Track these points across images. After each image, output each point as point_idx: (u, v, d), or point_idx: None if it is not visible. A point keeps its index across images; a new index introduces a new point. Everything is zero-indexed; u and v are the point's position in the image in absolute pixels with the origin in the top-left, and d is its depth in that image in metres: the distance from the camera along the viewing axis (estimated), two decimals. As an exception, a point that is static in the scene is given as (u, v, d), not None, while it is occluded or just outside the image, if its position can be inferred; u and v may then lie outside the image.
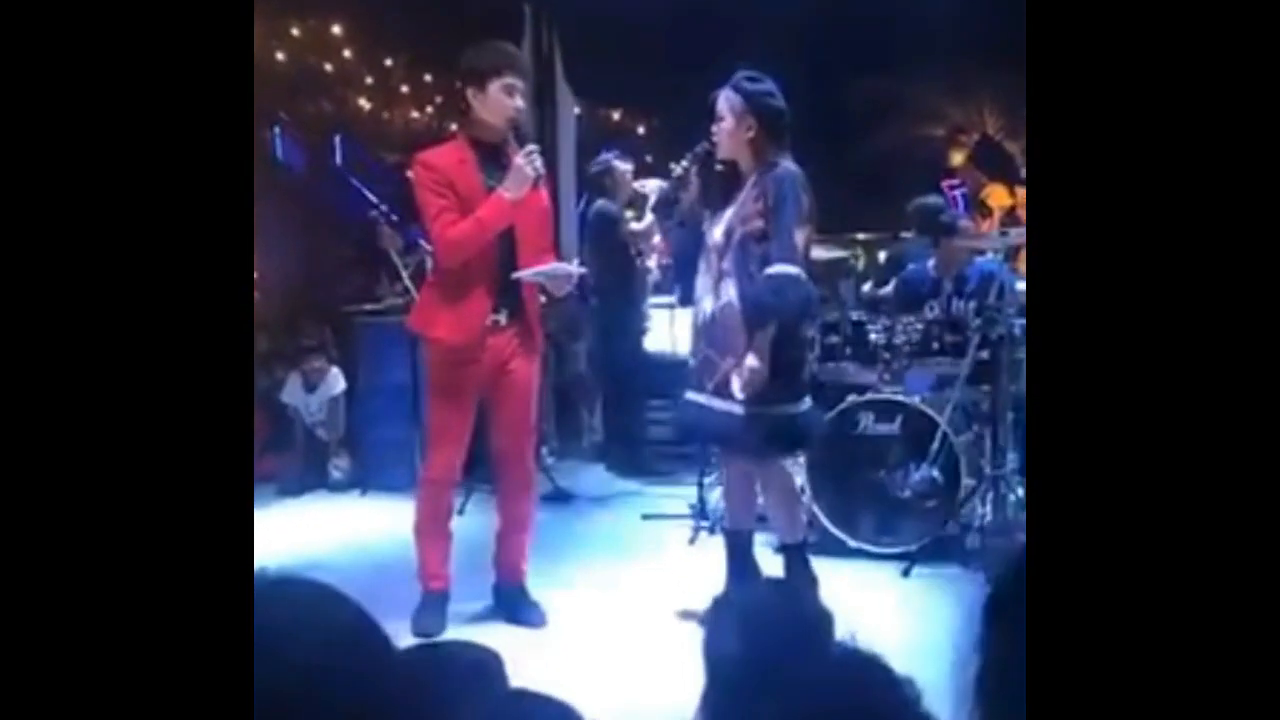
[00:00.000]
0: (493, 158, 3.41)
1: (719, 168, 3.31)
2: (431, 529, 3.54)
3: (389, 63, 8.28)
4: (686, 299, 3.55)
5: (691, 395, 3.36)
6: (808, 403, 3.35)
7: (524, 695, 0.94)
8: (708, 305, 3.30)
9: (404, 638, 3.21)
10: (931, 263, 4.93)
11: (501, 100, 3.36)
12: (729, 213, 3.26)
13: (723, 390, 3.25)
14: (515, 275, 3.40)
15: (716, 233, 3.29)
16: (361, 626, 0.89)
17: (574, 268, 3.70)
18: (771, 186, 3.17)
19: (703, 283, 3.33)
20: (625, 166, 5.84)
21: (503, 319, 3.44)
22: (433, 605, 3.51)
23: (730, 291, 3.24)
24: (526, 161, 3.32)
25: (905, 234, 4.90)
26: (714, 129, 3.27)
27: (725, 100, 3.25)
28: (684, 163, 3.32)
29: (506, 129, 3.39)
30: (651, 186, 5.54)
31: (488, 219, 3.32)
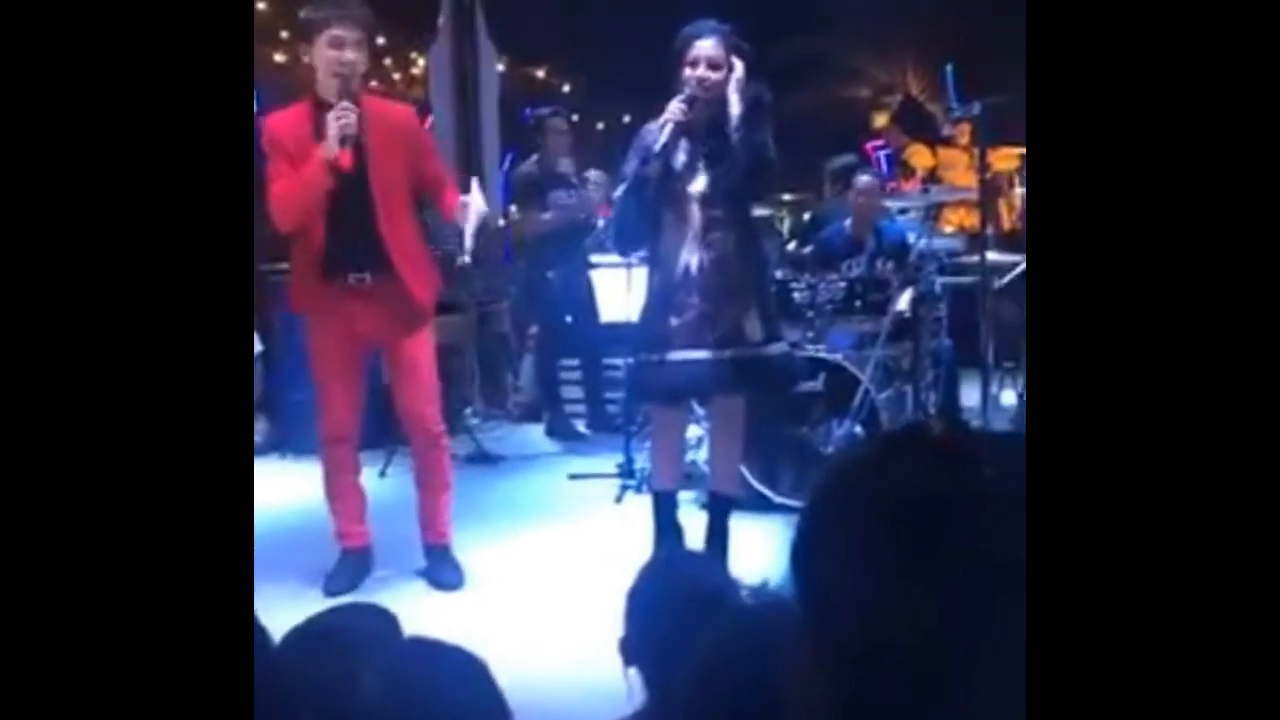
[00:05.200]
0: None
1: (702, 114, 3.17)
2: (338, 487, 3.50)
3: (262, 6, 7.97)
4: (650, 258, 3.40)
5: (688, 353, 3.19)
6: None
7: (423, 643, 0.92)
8: (692, 259, 3.20)
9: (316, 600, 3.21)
10: (848, 222, 4.99)
11: (327, 54, 3.23)
12: (712, 161, 3.17)
13: (735, 337, 3.19)
14: (465, 259, 3.36)
15: (699, 182, 3.20)
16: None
17: (477, 201, 3.42)
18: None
19: (678, 236, 3.22)
20: (561, 124, 5.76)
21: (367, 277, 3.34)
22: (349, 564, 3.48)
23: (725, 240, 3.19)
24: (335, 116, 3.17)
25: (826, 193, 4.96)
26: (695, 75, 3.15)
27: (717, 45, 3.16)
28: (682, 105, 3.12)
29: (334, 84, 3.23)
30: (595, 176, 5.47)
31: (307, 176, 3.21)
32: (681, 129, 3.17)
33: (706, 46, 3.17)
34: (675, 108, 3.13)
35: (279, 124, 3.30)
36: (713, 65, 3.16)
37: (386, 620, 1.25)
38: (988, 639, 0.61)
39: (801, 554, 0.69)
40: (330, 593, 3.32)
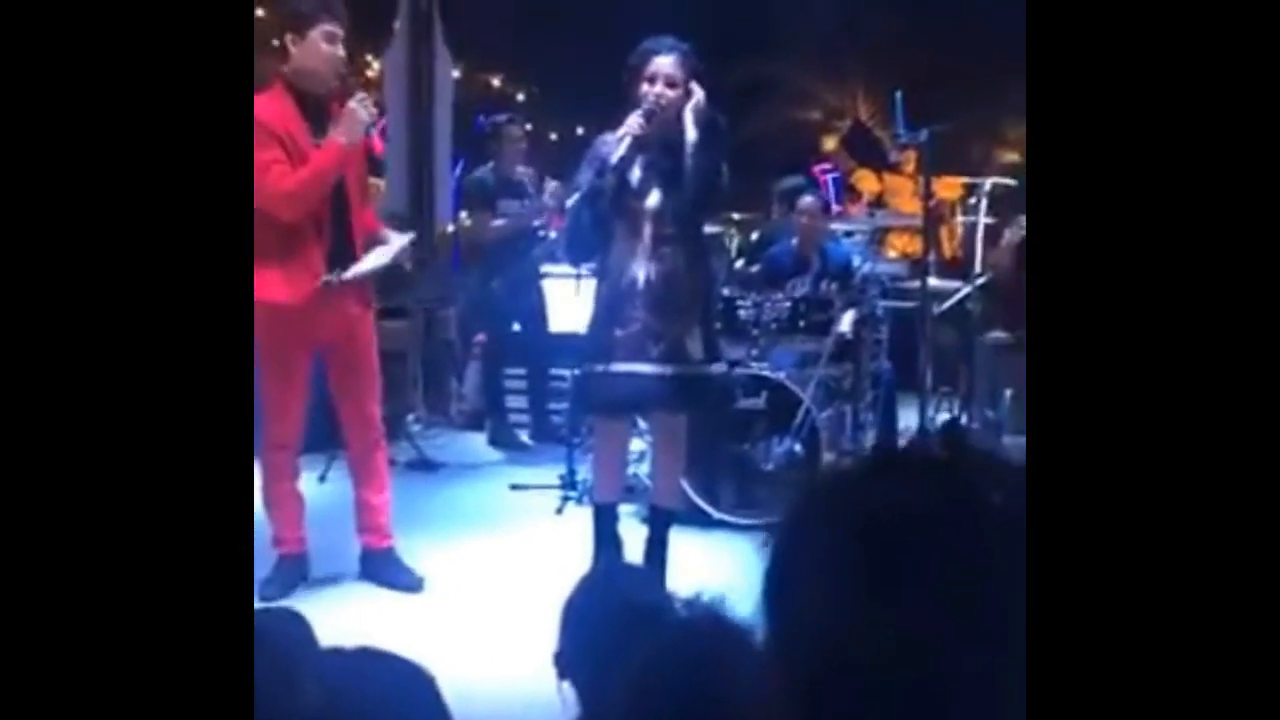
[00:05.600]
0: (316, 107, 3.31)
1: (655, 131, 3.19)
2: (277, 494, 3.45)
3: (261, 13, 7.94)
4: (599, 270, 3.42)
5: (630, 366, 3.20)
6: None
7: (369, 653, 0.93)
8: (640, 272, 3.22)
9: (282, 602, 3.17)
10: (795, 241, 5.06)
11: (324, 49, 3.26)
12: (664, 179, 3.21)
13: (677, 354, 3.22)
14: (349, 275, 3.31)
15: (652, 198, 3.23)
16: None
17: (404, 237, 3.60)
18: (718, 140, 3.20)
19: (628, 249, 3.24)
20: (516, 131, 5.76)
21: (336, 278, 3.33)
22: (284, 571, 3.45)
23: (675, 256, 3.22)
24: (360, 105, 3.25)
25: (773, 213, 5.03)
26: (653, 91, 3.17)
27: (676, 64, 3.19)
28: (640, 119, 3.14)
29: (331, 79, 3.30)
30: (553, 187, 5.46)
31: (324, 167, 3.23)
32: (638, 144, 3.21)
33: (665, 64, 3.20)
34: (634, 121, 3.16)
35: (265, 112, 3.22)
36: (670, 83, 3.19)
37: (302, 625, 1.25)
38: (973, 664, 0.58)
39: (775, 574, 0.66)
40: (265, 598, 3.26)
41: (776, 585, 0.66)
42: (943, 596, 0.59)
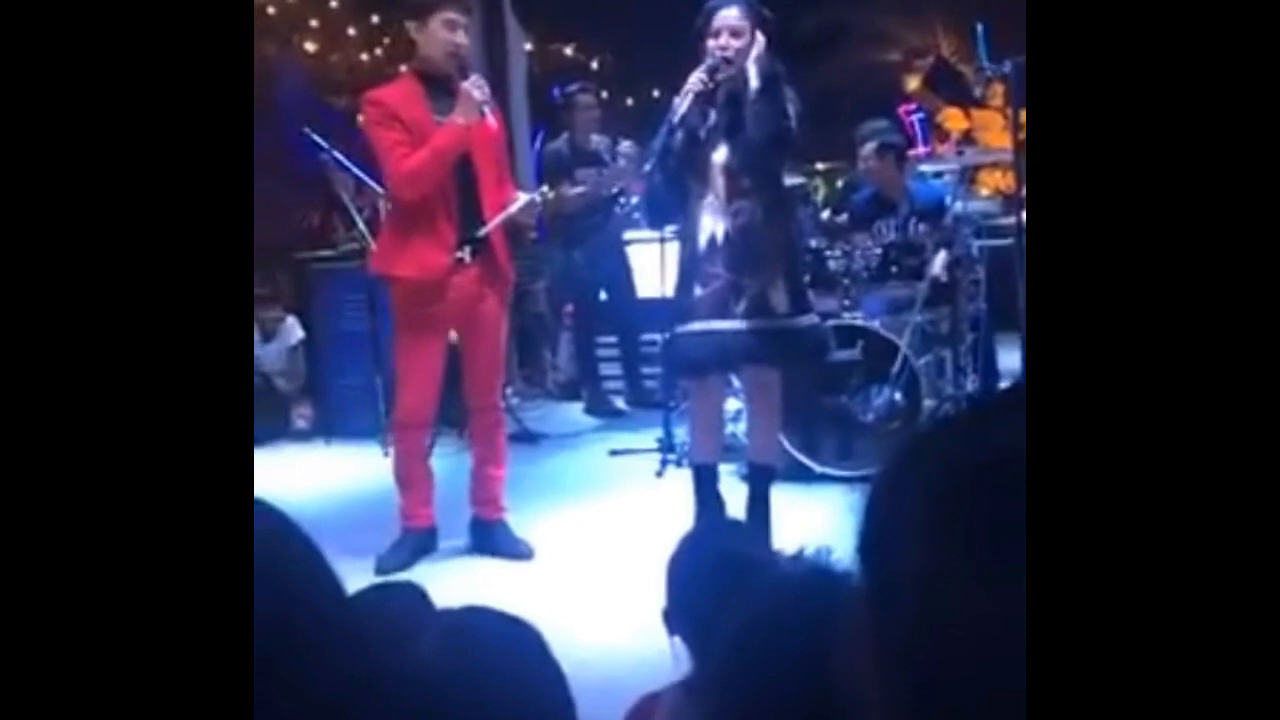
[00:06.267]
0: (441, 91, 3.40)
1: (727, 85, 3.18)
2: (410, 471, 3.57)
3: (334, 4, 8.08)
4: (680, 231, 3.43)
5: (713, 324, 3.19)
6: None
7: (479, 611, 0.94)
8: (718, 228, 3.21)
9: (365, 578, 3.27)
10: (876, 186, 4.95)
11: (442, 35, 3.36)
12: (732, 132, 3.18)
13: (761, 308, 3.19)
14: (483, 232, 3.41)
15: (722, 153, 3.21)
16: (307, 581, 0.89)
17: (535, 194, 3.73)
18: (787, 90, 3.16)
19: (704, 207, 3.23)
20: (589, 99, 5.76)
21: (466, 256, 3.42)
22: (411, 543, 3.56)
23: (752, 210, 3.20)
24: (473, 85, 3.34)
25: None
26: (718, 45, 3.15)
27: (740, 15, 3.17)
28: (702, 75, 3.14)
29: (450, 64, 3.39)
30: (627, 147, 5.46)
31: (442, 146, 3.31)
32: (703, 100, 3.18)
33: (730, 16, 3.18)
34: (695, 78, 3.16)
35: (390, 97, 3.40)
36: (735, 33, 3.17)
37: (424, 598, 1.28)
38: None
39: (870, 525, 0.64)
40: (383, 570, 3.35)
41: (871, 540, 0.64)
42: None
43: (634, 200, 5.53)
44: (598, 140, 5.67)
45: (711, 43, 3.18)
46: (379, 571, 3.36)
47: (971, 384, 4.30)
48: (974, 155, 5.69)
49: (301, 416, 5.65)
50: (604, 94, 6.70)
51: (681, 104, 3.15)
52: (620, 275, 5.69)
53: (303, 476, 4.85)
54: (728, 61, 3.16)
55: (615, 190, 5.61)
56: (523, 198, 3.61)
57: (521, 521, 3.78)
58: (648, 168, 3.33)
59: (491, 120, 3.45)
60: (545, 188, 3.75)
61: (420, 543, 3.58)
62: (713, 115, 3.23)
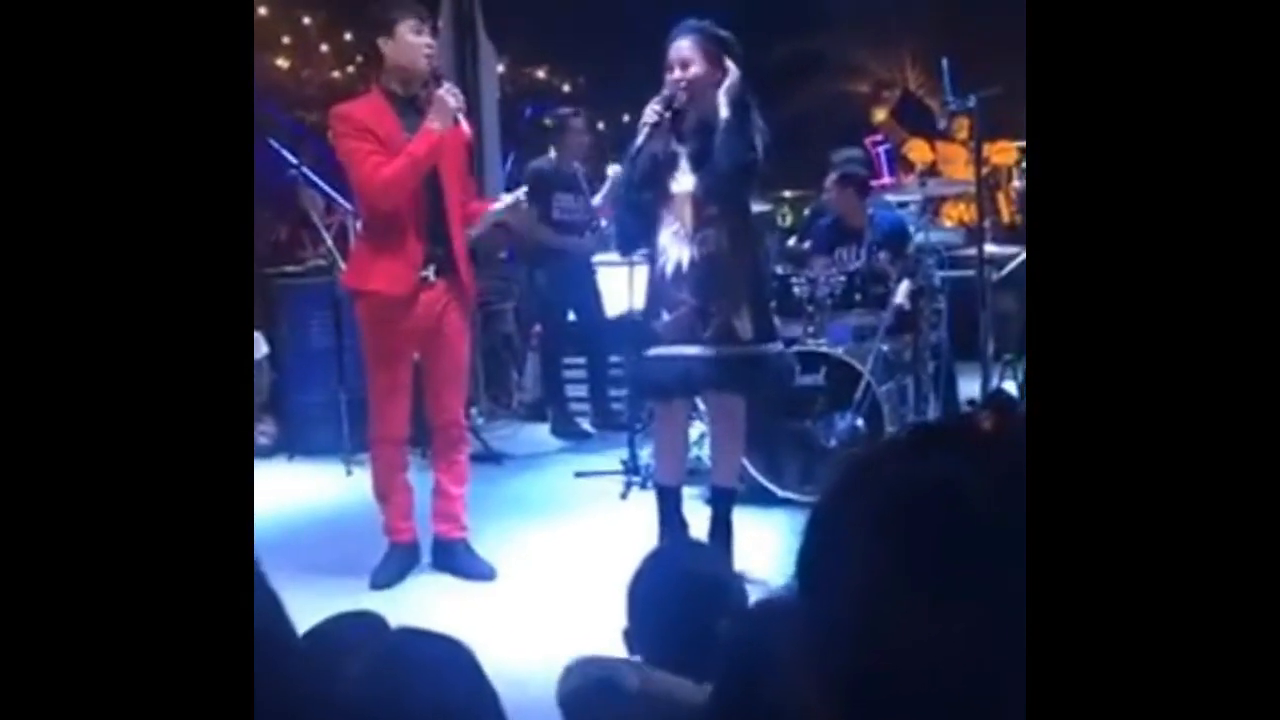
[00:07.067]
0: (409, 108, 3.42)
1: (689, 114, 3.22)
2: (390, 487, 3.58)
3: (306, 21, 8.07)
4: (649, 256, 3.44)
5: (679, 349, 3.23)
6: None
7: (409, 631, 0.95)
8: (683, 255, 3.24)
9: (360, 593, 3.27)
10: (837, 214, 5.01)
11: (411, 40, 3.38)
12: (698, 161, 3.21)
13: (726, 335, 3.22)
14: (475, 232, 3.44)
15: (689, 181, 3.24)
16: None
17: (519, 193, 3.72)
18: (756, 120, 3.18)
19: (671, 234, 3.26)
20: (581, 125, 5.79)
21: (431, 274, 3.43)
22: (397, 558, 3.58)
23: (718, 237, 3.23)
24: (448, 92, 3.35)
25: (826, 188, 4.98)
26: (671, 77, 3.19)
27: (691, 46, 3.20)
28: (656, 108, 3.19)
29: (424, 69, 3.41)
30: (615, 172, 5.48)
31: (419, 153, 3.32)
32: (669, 129, 3.22)
33: (682, 47, 3.23)
34: (650, 110, 3.21)
35: (359, 111, 3.42)
36: (684, 65, 3.21)
37: (381, 627, 1.28)
38: (1018, 659, 0.55)
39: (809, 554, 0.64)
40: (377, 585, 3.45)
41: (809, 565, 0.64)
42: (985, 578, 0.56)
43: (604, 224, 5.57)
44: (580, 166, 5.69)
45: (668, 75, 3.24)
46: (374, 587, 3.44)
47: (933, 411, 4.35)
48: (937, 186, 5.79)
49: (263, 433, 5.59)
50: (599, 125, 6.70)
51: (640, 135, 3.20)
52: (589, 297, 5.71)
53: (263, 493, 4.79)
54: (683, 91, 3.20)
55: (589, 251, 5.64)
56: (507, 197, 3.63)
57: (485, 542, 3.77)
58: (615, 196, 3.39)
59: (465, 127, 3.48)
60: (522, 193, 3.73)
61: (405, 557, 3.60)
62: (679, 144, 3.27)
